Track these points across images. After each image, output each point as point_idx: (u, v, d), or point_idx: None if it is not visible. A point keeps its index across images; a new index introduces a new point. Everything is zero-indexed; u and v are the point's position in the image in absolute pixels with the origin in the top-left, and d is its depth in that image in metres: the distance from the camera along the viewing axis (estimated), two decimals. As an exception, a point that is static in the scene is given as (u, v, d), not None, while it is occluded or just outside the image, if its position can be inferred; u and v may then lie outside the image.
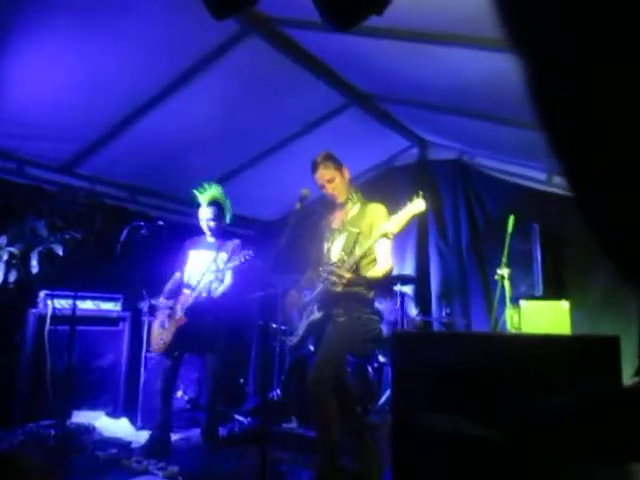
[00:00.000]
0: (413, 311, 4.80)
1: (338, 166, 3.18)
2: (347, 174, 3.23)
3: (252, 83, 3.85)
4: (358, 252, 2.92)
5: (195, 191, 4.17)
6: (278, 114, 4.32)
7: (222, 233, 4.25)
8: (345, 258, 3.00)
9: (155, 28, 3.14)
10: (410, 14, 2.60)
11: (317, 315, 3.07)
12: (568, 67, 0.48)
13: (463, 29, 2.65)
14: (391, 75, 3.72)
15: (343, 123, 4.54)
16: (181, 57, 3.46)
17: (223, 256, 4.07)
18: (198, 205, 4.17)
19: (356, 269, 2.96)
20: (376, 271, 3.02)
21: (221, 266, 3.99)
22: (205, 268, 4.01)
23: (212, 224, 4.14)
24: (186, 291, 4.03)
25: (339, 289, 2.89)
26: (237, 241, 4.19)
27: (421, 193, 2.83)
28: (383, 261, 3.04)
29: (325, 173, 3.15)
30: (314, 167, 3.18)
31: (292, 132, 4.65)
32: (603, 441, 0.95)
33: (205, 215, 4.15)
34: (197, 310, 3.92)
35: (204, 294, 3.96)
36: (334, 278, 2.88)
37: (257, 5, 2.33)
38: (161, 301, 4.11)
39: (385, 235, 2.87)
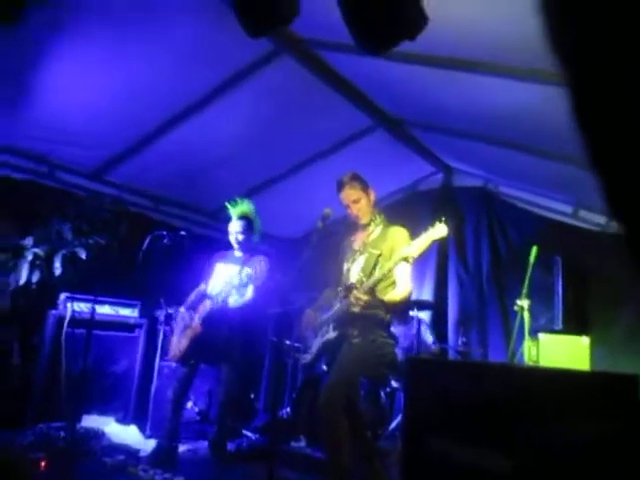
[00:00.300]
0: (429, 338, 4.75)
1: (364, 187, 3.18)
2: (373, 196, 3.23)
3: (282, 102, 3.90)
4: (377, 274, 2.90)
5: (227, 204, 4.21)
6: (306, 133, 4.36)
7: (250, 248, 4.26)
8: (364, 279, 2.98)
9: (191, 41, 3.21)
10: (442, 40, 2.62)
11: (332, 334, 3.05)
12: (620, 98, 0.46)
13: (495, 58, 2.66)
14: (420, 100, 3.74)
15: (370, 145, 4.56)
16: (215, 72, 3.53)
17: (248, 271, 4.06)
18: (229, 218, 4.21)
19: (374, 291, 2.94)
20: (394, 295, 2.99)
21: (245, 280, 4.00)
22: (228, 281, 4.04)
23: (240, 237, 4.16)
24: (207, 302, 4.04)
25: (356, 310, 2.88)
26: (263, 257, 4.18)
27: (443, 218, 2.81)
28: (402, 285, 3.01)
29: (351, 193, 3.14)
30: (340, 186, 3.18)
31: (318, 151, 4.69)
32: (616, 476, 0.92)
33: (234, 228, 4.18)
34: (213, 319, 3.92)
35: (220, 304, 3.95)
36: (352, 298, 2.87)
37: (291, 25, 2.37)
38: (182, 311, 4.13)
39: (405, 259, 2.84)
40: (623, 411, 1.10)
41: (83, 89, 3.51)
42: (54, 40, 3.04)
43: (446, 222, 2.79)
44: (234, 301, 4.03)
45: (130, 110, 3.76)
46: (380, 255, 3.05)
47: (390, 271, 2.92)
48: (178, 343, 3.97)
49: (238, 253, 4.24)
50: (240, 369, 4.23)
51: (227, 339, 4.05)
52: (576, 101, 0.48)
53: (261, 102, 3.88)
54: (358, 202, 3.15)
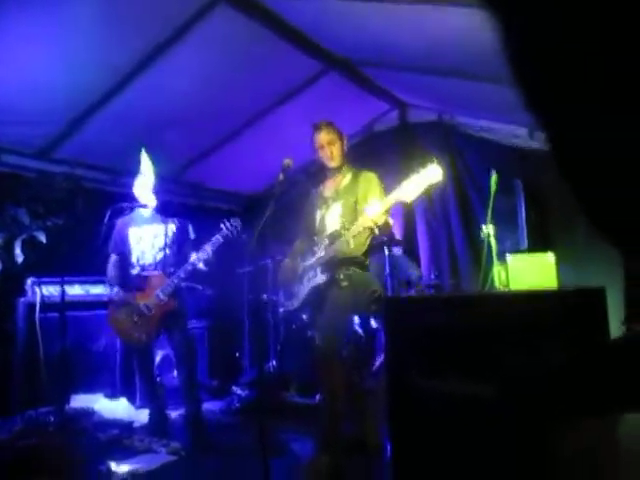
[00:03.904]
0: (417, 272, 4.72)
1: (340, 134, 3.31)
2: (345, 144, 3.34)
3: (227, 55, 3.76)
4: (367, 219, 2.93)
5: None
6: (256, 85, 4.24)
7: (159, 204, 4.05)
8: (347, 225, 3.07)
9: (124, 1, 3.05)
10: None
11: (322, 278, 3.13)
12: (542, 23, 0.48)
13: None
14: (364, 38, 3.65)
15: (322, 91, 4.47)
16: (152, 31, 3.36)
17: (172, 227, 3.98)
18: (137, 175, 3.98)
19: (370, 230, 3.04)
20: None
21: (169, 236, 3.90)
22: (158, 244, 3.91)
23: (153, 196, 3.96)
24: (155, 273, 3.83)
25: (351, 249, 3.00)
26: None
27: (435, 159, 2.82)
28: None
29: (327, 135, 3.25)
30: (317, 128, 3.28)
31: (271, 102, 4.58)
32: (591, 395, 0.97)
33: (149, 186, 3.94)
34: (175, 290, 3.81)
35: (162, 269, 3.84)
36: (346, 239, 2.96)
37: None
38: (117, 292, 3.85)
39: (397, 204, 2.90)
40: (593, 323, 1.15)
41: (15, 63, 3.31)
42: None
43: (439, 162, 2.80)
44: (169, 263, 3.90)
45: (69, 80, 3.57)
46: (356, 201, 3.17)
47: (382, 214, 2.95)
48: (137, 326, 3.74)
49: (148, 212, 3.99)
50: (190, 334, 4.03)
51: (180, 306, 3.88)
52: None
53: (205, 57, 3.74)
54: (333, 144, 3.26)
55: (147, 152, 3.97)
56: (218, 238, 3.71)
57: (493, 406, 1.17)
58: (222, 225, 3.74)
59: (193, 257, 3.74)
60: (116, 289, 3.89)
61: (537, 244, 3.99)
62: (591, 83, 0.47)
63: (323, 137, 3.25)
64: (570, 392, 0.96)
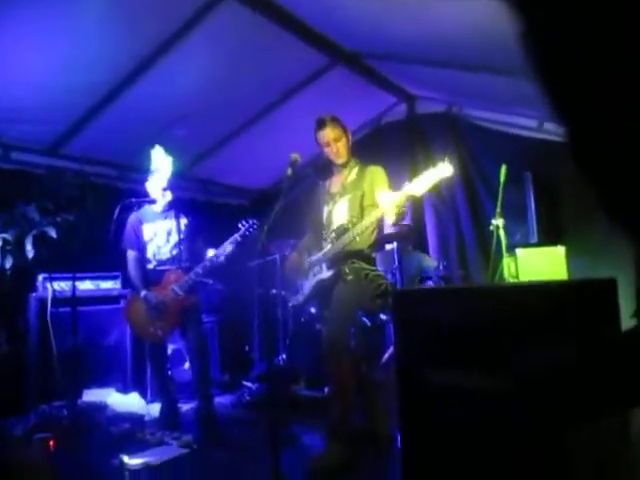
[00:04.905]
0: (433, 263, 4.72)
1: (344, 129, 3.25)
2: (350, 139, 3.29)
3: (235, 49, 3.76)
4: (373, 216, 2.94)
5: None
6: (263, 79, 4.23)
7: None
8: (354, 220, 3.07)
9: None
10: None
11: (327, 273, 3.15)
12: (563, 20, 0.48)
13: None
14: (372, 30, 3.63)
15: (329, 84, 4.46)
16: (158, 27, 3.37)
17: (184, 222, 4.01)
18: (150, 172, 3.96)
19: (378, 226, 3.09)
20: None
21: (183, 231, 3.92)
22: (173, 239, 3.94)
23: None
24: (171, 268, 3.87)
25: (357, 242, 3.01)
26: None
27: (447, 157, 2.82)
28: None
29: (333, 131, 3.19)
30: (321, 124, 3.21)
31: (277, 97, 4.57)
32: (605, 389, 0.97)
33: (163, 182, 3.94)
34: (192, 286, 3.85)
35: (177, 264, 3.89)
36: (354, 233, 2.97)
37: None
38: (146, 295, 3.83)
39: (408, 198, 2.89)
40: (604, 315, 1.15)
41: (25, 60, 3.33)
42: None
43: (450, 160, 2.80)
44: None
45: (77, 77, 3.58)
46: (363, 195, 3.16)
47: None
48: (157, 323, 3.77)
49: (159, 208, 3.99)
50: (204, 328, 4.05)
51: (195, 301, 3.93)
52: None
53: (212, 52, 3.74)
54: (339, 140, 3.22)
55: (161, 147, 3.97)
56: (237, 237, 3.73)
57: (505, 399, 1.17)
58: (240, 225, 3.75)
59: (211, 253, 3.77)
60: (138, 286, 3.90)
61: (547, 237, 3.97)
62: (615, 81, 0.47)
63: (328, 134, 3.19)
64: (581, 386, 0.96)
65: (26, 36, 3.16)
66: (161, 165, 3.90)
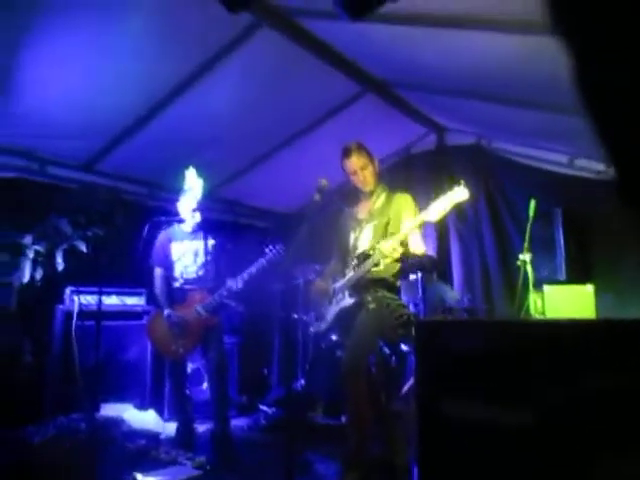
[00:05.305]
0: (454, 295, 4.69)
1: (370, 155, 3.25)
2: (377, 166, 3.29)
3: (267, 75, 3.83)
4: (394, 241, 2.91)
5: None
6: (294, 105, 4.31)
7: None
8: (376, 246, 3.03)
9: (169, 24, 3.14)
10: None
11: (349, 301, 3.13)
12: (615, 54, 0.48)
13: (479, 11, 2.60)
14: (405, 61, 3.68)
15: (359, 112, 4.51)
16: (195, 52, 3.46)
17: (212, 243, 4.05)
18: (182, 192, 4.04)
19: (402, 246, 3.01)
20: (416, 250, 3.07)
21: (210, 252, 3.96)
22: (200, 259, 3.97)
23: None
24: (197, 288, 3.92)
25: (380, 270, 2.99)
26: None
27: (462, 181, 2.81)
28: (418, 248, 3.07)
29: (359, 160, 3.20)
30: (347, 153, 3.21)
31: (308, 122, 4.64)
32: (633, 429, 0.94)
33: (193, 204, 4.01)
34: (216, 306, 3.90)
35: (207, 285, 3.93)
36: (378, 258, 2.94)
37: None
38: (169, 314, 3.87)
39: (422, 224, 2.89)
40: (634, 356, 1.12)
41: (64, 79, 3.44)
42: (33, 29, 2.96)
43: (466, 185, 2.79)
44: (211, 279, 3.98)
45: (114, 97, 3.69)
46: (388, 222, 3.15)
47: (405, 237, 2.95)
48: (178, 340, 3.81)
49: (189, 228, 4.05)
50: (225, 348, 4.05)
51: (219, 321, 3.97)
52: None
53: (246, 78, 3.82)
54: (365, 169, 3.22)
55: (194, 168, 4.05)
56: (263, 262, 3.76)
57: (528, 435, 1.14)
58: (267, 249, 3.78)
59: (237, 277, 3.80)
60: (162, 303, 3.95)
61: (575, 274, 3.91)
62: None
63: (355, 162, 3.19)
64: (608, 425, 0.93)
65: (66, 56, 3.26)
66: (193, 186, 3.97)
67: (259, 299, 5.41)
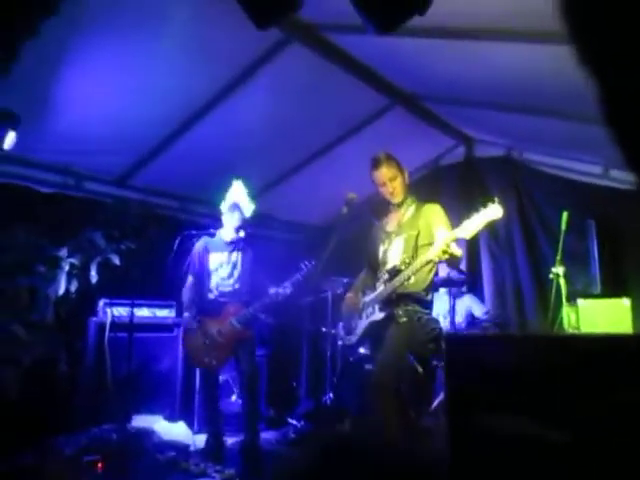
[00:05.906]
0: (481, 310, 4.65)
1: (400, 167, 3.21)
2: (407, 176, 3.25)
3: (297, 90, 3.88)
4: (429, 255, 2.85)
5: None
6: (323, 119, 4.34)
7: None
8: (407, 260, 3.01)
9: (201, 39, 3.22)
10: (453, 12, 2.57)
11: (379, 315, 3.09)
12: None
13: (507, 23, 2.59)
14: (433, 73, 3.68)
15: (388, 125, 4.52)
16: (226, 68, 3.54)
17: (248, 257, 4.08)
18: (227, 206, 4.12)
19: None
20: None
21: (246, 266, 3.98)
22: (236, 272, 4.01)
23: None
24: (231, 301, 3.95)
25: (411, 284, 2.94)
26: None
27: (496, 199, 2.75)
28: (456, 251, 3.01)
29: (388, 171, 3.16)
30: (377, 164, 3.17)
31: (336, 136, 4.66)
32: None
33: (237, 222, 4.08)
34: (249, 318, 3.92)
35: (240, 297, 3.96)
36: (406, 275, 2.89)
37: (298, 12, 2.35)
38: (189, 316, 3.98)
39: (454, 240, 2.81)
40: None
41: (101, 96, 3.54)
42: (69, 46, 3.06)
43: (500, 202, 2.73)
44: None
45: (148, 113, 3.78)
46: (418, 234, 3.09)
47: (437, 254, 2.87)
48: (210, 350, 3.86)
49: (225, 240, 4.09)
50: (256, 358, 4.08)
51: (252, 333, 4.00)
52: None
53: (276, 92, 3.87)
54: (394, 180, 3.17)
55: (239, 181, 4.15)
56: (298, 277, 3.79)
57: (562, 451, 1.11)
58: (302, 265, 3.80)
59: (272, 291, 3.83)
60: (187, 314, 4.00)
61: (610, 288, 3.80)
62: None
63: (384, 173, 3.15)
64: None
65: (103, 74, 3.37)
66: (240, 201, 4.06)
67: (288, 311, 5.42)
